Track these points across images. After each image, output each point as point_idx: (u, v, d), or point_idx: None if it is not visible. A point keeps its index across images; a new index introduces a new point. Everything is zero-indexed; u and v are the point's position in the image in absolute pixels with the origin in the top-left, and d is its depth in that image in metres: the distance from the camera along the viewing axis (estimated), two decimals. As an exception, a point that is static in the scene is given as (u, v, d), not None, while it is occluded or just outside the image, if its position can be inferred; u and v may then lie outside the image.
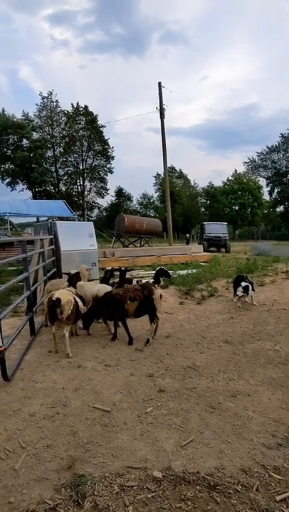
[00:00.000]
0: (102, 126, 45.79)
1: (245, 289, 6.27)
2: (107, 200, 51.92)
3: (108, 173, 48.54)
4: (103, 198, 50.07)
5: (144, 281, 5.89)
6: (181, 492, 2.05)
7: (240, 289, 6.24)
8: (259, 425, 2.70)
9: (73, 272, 5.30)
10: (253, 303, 6.57)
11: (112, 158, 48.05)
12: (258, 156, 51.89)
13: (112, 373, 3.70)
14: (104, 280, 5.98)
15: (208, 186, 54.69)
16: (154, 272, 6.08)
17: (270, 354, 4.17)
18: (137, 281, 5.99)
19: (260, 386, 3.35)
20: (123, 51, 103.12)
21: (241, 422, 2.74)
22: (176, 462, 2.29)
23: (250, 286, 6.35)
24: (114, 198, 51.16)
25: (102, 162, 48.17)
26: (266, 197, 50.96)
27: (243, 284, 6.32)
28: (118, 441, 2.52)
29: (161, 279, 5.77)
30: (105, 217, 48.31)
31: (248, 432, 2.61)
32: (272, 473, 2.19)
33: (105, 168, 48.43)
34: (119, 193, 50.66)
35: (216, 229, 24.44)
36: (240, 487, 2.07)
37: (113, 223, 21.80)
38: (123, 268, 6.10)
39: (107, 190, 49.33)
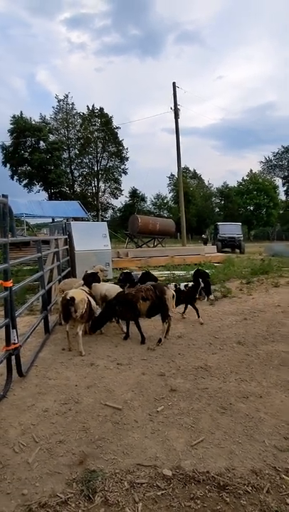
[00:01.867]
0: (117, 128, 46.21)
1: None
2: (121, 201, 52.34)
3: (122, 174, 48.97)
4: (117, 198, 50.58)
5: (182, 285, 5.65)
6: (191, 491, 2.05)
7: None
8: (271, 427, 2.67)
9: (89, 271, 5.37)
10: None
11: (127, 159, 48.45)
12: (274, 155, 51.15)
13: (124, 372, 3.74)
14: (119, 282, 6.03)
15: (222, 186, 54.33)
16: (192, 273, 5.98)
17: (283, 356, 4.10)
18: (174, 285, 5.68)
19: (273, 388, 3.31)
20: (139, 53, 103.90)
21: (253, 424, 2.72)
22: (186, 461, 2.30)
23: None
24: (128, 199, 51.54)
25: (116, 163, 48.60)
26: (282, 197, 50.12)
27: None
28: (129, 439, 2.55)
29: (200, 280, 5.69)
30: (119, 218, 48.66)
31: (259, 434, 2.59)
32: (283, 476, 2.16)
33: (119, 169, 48.83)
34: (133, 193, 50.91)
35: (230, 229, 24.20)
36: (250, 488, 2.06)
37: (127, 224, 21.90)
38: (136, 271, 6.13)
39: (121, 191, 49.77)
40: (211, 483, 2.11)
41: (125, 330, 4.94)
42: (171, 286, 5.63)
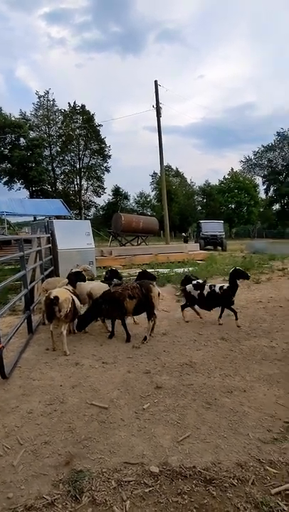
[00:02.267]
0: (99, 125, 45.78)
1: None
2: (104, 199, 51.94)
3: (105, 172, 48.57)
4: (100, 196, 50.16)
5: (218, 286, 5.32)
6: (178, 486, 2.07)
7: None
8: (255, 420, 2.73)
9: (74, 270, 5.30)
10: None
11: (109, 157, 48.09)
12: (254, 154, 52.18)
13: (110, 370, 3.72)
14: (105, 280, 5.98)
15: (204, 185, 54.97)
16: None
17: (265, 351, 4.20)
18: (209, 286, 5.37)
19: (256, 382, 3.39)
20: (119, 50, 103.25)
21: (237, 418, 2.77)
22: (172, 457, 2.32)
23: None
24: (111, 197, 51.22)
25: (98, 161, 48.15)
26: (262, 195, 51.33)
27: None
28: (115, 438, 2.55)
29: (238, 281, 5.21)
30: (102, 216, 48.29)
31: (244, 427, 2.64)
32: (267, 467, 2.21)
33: (102, 167, 48.43)
34: (116, 191, 50.67)
35: (213, 227, 24.50)
36: (236, 481, 2.10)
37: (110, 222, 21.78)
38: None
39: (104, 189, 49.40)
40: (197, 478, 2.13)
41: (110, 328, 4.91)
42: (206, 287, 5.35)
